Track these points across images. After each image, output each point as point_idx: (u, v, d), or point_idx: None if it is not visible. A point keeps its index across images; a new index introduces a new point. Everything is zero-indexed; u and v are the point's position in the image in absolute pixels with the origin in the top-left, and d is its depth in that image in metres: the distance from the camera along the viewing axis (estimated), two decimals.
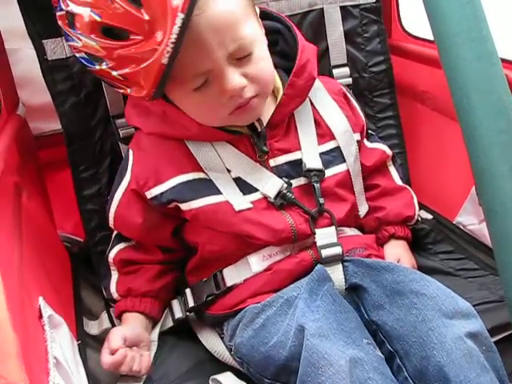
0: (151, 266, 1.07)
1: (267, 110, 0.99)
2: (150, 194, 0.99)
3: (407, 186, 1.18)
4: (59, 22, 0.90)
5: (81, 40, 0.86)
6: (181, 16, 0.77)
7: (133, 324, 1.03)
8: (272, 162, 1.00)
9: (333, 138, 1.04)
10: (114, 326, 1.10)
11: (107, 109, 1.13)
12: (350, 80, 1.27)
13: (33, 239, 0.98)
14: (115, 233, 1.10)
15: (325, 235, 0.98)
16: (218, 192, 0.97)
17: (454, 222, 1.26)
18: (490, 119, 0.71)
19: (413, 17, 1.40)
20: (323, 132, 1.04)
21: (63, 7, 0.87)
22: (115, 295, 1.07)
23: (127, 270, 1.07)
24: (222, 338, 1.02)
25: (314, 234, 0.98)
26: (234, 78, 0.87)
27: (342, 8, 1.26)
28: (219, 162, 0.98)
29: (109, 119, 1.13)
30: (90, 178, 1.17)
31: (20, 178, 1.03)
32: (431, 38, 0.77)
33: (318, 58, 1.23)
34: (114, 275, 1.08)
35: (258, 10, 0.96)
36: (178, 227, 1.05)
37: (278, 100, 0.99)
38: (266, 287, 0.97)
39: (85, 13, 0.83)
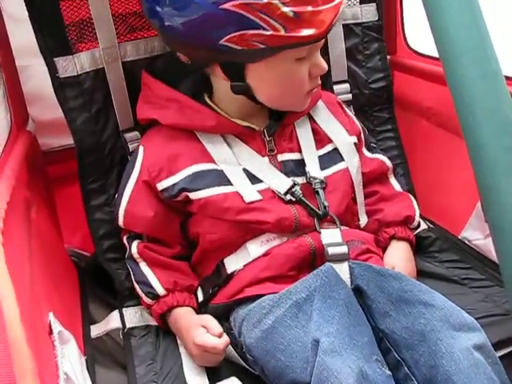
0: (180, 262, 1.09)
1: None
2: (161, 185, 1.03)
3: (407, 193, 1.20)
4: None
5: None
6: None
7: (192, 316, 1.04)
8: (280, 157, 1.05)
9: (329, 141, 1.10)
10: (124, 326, 1.11)
11: (117, 123, 1.16)
12: (350, 96, 1.30)
13: (42, 254, 0.99)
14: (126, 235, 1.11)
15: (330, 234, 1.01)
16: (229, 183, 1.01)
17: (460, 237, 1.26)
18: (496, 137, 0.72)
19: (418, 34, 1.41)
20: (320, 138, 1.10)
21: None
22: (159, 289, 1.06)
23: (156, 260, 1.07)
24: (229, 334, 1.00)
25: (320, 233, 1.00)
26: (322, 60, 0.99)
27: (345, 26, 1.28)
28: (231, 155, 1.02)
29: (118, 133, 1.16)
30: (98, 188, 1.18)
31: (30, 194, 1.04)
32: (436, 54, 0.78)
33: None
34: (144, 267, 1.08)
35: None
36: (182, 223, 1.08)
37: None
38: (264, 272, 0.99)
39: None
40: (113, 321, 1.14)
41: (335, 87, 1.29)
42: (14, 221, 0.86)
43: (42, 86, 1.19)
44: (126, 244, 1.11)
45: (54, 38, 1.08)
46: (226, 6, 0.88)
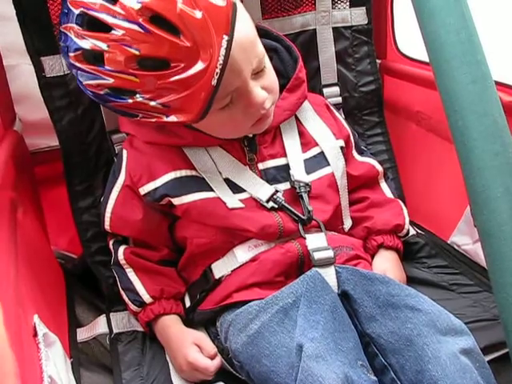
0: (167, 268, 1.08)
1: None
2: (144, 190, 1.02)
3: (398, 199, 1.19)
4: (73, 62, 0.87)
5: (112, 76, 0.84)
6: (226, 38, 0.80)
7: (181, 326, 1.04)
8: (260, 166, 1.04)
9: (316, 145, 1.09)
10: (111, 331, 1.10)
11: (103, 124, 1.15)
12: (339, 99, 1.30)
13: (28, 255, 0.98)
14: (112, 241, 1.10)
15: (315, 239, 1.00)
16: (210, 189, 1.00)
17: (449, 242, 1.26)
18: (485, 142, 0.72)
19: (408, 38, 1.42)
20: (306, 141, 1.08)
21: (81, 45, 0.84)
22: (146, 297, 1.05)
23: (142, 266, 1.07)
24: (216, 339, 1.02)
25: (304, 238, 1.00)
26: (259, 91, 0.92)
27: (335, 29, 1.29)
28: (211, 164, 1.01)
29: (104, 135, 1.15)
30: (84, 190, 1.18)
31: (16, 194, 1.02)
32: (426, 59, 0.78)
33: (310, 77, 1.26)
34: (131, 273, 1.07)
35: None
36: (170, 226, 1.07)
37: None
38: (252, 278, 0.99)
39: (116, 48, 0.82)
40: (99, 326, 1.13)
41: (325, 90, 1.29)
42: None
43: (29, 86, 1.18)
44: (112, 249, 1.10)
45: (41, 37, 1.07)
46: (107, 104, 0.90)
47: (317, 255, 0.97)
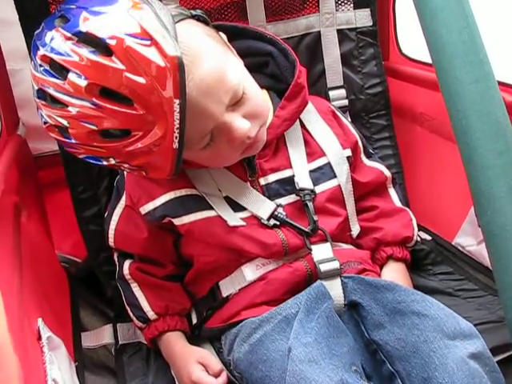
0: (172, 283, 1.07)
1: None
2: (144, 209, 1.01)
3: (406, 208, 1.17)
4: (50, 134, 0.87)
5: (81, 148, 0.85)
6: (177, 102, 0.78)
7: (185, 343, 1.04)
8: (262, 181, 1.01)
9: (322, 155, 1.05)
10: (117, 342, 1.10)
11: None
12: (346, 102, 1.28)
13: (32, 259, 0.98)
14: (116, 253, 1.10)
15: (321, 250, 0.99)
16: (210, 207, 0.98)
17: (453, 243, 1.26)
18: (489, 141, 0.72)
19: (410, 39, 1.42)
20: (312, 151, 1.05)
21: (48, 120, 0.84)
22: (150, 313, 1.04)
23: (148, 282, 1.06)
24: (220, 353, 1.02)
25: (310, 250, 0.98)
26: (239, 124, 0.88)
27: (339, 31, 1.27)
28: (211, 181, 0.99)
29: None
30: (89, 198, 1.17)
31: (20, 198, 1.03)
32: (429, 60, 0.78)
33: (315, 80, 1.27)
34: (135, 288, 1.06)
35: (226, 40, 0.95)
36: (175, 241, 1.06)
37: (269, 122, 1.00)
38: (260, 297, 0.98)
39: (75, 125, 0.81)
40: (105, 336, 1.13)
41: (331, 93, 1.27)
42: (2, 225, 0.85)
43: (32, 90, 1.18)
44: (117, 262, 1.09)
45: None
46: None
47: (323, 267, 0.96)
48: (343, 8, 1.27)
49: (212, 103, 0.85)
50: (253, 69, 1.02)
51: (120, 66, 0.77)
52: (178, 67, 0.77)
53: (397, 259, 1.11)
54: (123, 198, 1.04)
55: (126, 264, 1.07)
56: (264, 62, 1.06)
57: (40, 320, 0.83)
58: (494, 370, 0.82)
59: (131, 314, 1.07)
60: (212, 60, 0.86)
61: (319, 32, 1.26)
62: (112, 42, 0.77)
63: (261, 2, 1.19)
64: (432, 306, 0.88)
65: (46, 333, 0.81)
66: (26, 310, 0.80)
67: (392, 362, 0.86)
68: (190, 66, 0.82)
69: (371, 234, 1.11)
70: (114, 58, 0.77)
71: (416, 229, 1.15)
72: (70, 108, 0.80)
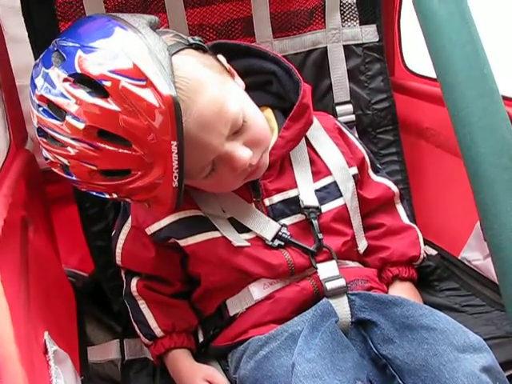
0: (179, 301, 1.07)
1: None
2: (149, 230, 1.01)
3: (413, 225, 1.15)
4: (53, 169, 0.87)
5: (83, 184, 0.86)
6: (175, 144, 0.78)
7: (192, 360, 1.04)
8: (267, 202, 1.00)
9: (328, 173, 1.04)
10: (123, 358, 1.10)
11: None
12: (353, 117, 1.28)
13: (39, 273, 0.98)
14: (124, 270, 1.10)
15: (326, 269, 0.98)
16: (215, 228, 0.98)
17: (459, 258, 1.25)
18: (494, 156, 0.72)
19: (415, 55, 1.42)
20: (318, 169, 1.04)
21: (49, 157, 0.85)
22: (157, 331, 1.04)
23: (155, 299, 1.06)
24: (226, 371, 1.01)
25: (316, 268, 0.98)
26: (240, 153, 0.88)
27: (346, 47, 1.28)
28: (216, 203, 0.99)
29: None
30: (96, 214, 1.17)
31: (27, 213, 1.03)
32: (434, 75, 0.79)
33: (322, 95, 1.27)
34: (143, 305, 1.06)
35: (225, 63, 0.95)
36: (182, 259, 1.06)
37: (273, 142, 0.99)
38: (267, 316, 0.97)
39: (76, 164, 0.82)
40: (112, 351, 1.13)
41: (338, 108, 1.27)
42: (10, 239, 0.85)
43: None
44: (124, 279, 1.09)
45: None
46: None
47: (329, 285, 0.95)
48: (349, 24, 1.27)
49: (211, 136, 0.85)
50: (256, 87, 1.03)
51: (116, 107, 0.77)
52: (174, 109, 0.77)
53: (403, 279, 1.10)
54: (129, 219, 1.05)
55: (134, 281, 1.07)
56: (268, 80, 1.06)
57: (46, 333, 0.83)
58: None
59: (138, 331, 1.07)
60: (210, 94, 0.85)
61: (326, 48, 1.26)
62: (107, 84, 0.77)
63: (267, 18, 1.20)
64: (440, 319, 0.88)
65: (52, 346, 0.81)
66: (32, 323, 0.81)
67: (402, 376, 0.85)
68: (188, 101, 0.82)
69: (377, 253, 1.10)
70: (109, 99, 0.77)
71: (423, 247, 1.14)
72: (69, 148, 0.81)
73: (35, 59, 1.08)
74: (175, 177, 0.80)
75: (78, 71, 0.78)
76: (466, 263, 1.24)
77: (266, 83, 1.06)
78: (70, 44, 0.81)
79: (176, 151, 0.78)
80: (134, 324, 1.08)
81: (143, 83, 0.76)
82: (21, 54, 1.14)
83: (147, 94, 0.76)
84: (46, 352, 0.80)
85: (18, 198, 1.00)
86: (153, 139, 0.78)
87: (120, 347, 1.13)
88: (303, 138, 1.04)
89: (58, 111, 0.80)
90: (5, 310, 0.65)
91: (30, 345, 0.74)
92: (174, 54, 0.84)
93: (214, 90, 0.86)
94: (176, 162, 0.79)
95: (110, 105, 0.77)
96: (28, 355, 0.68)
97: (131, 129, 0.77)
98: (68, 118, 0.79)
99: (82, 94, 0.78)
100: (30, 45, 1.08)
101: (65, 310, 1.15)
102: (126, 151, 0.79)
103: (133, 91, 0.76)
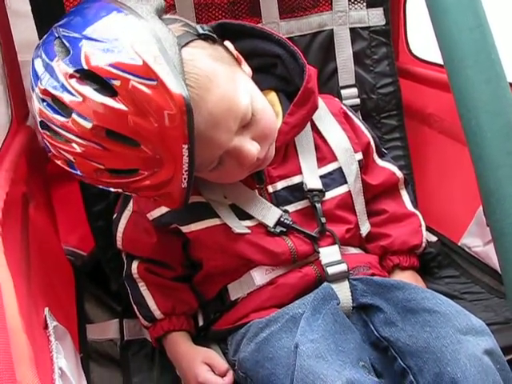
0: (180, 284, 1.07)
1: None
2: (151, 215, 1.01)
3: (417, 212, 1.15)
4: (57, 161, 0.85)
5: (89, 180, 0.84)
6: (186, 147, 0.76)
7: (190, 343, 1.03)
8: (270, 189, 0.99)
9: (333, 159, 1.03)
10: (122, 338, 1.11)
11: None
12: (358, 101, 1.28)
13: (39, 250, 0.98)
14: (124, 253, 1.10)
15: (329, 253, 0.98)
16: (216, 215, 0.97)
17: (459, 244, 1.26)
18: (499, 141, 0.72)
19: (420, 40, 1.41)
20: (323, 155, 1.03)
21: (52, 151, 0.83)
22: (157, 313, 1.04)
23: (155, 282, 1.05)
24: (225, 354, 1.02)
25: (318, 253, 0.97)
26: (248, 148, 0.87)
27: (352, 30, 1.27)
28: (218, 189, 0.98)
29: None
30: (98, 193, 1.16)
31: (28, 189, 1.03)
32: (438, 61, 0.78)
33: (327, 78, 1.26)
34: (143, 287, 1.06)
35: (234, 51, 0.93)
36: (184, 244, 1.06)
37: (278, 127, 0.98)
38: (269, 302, 0.97)
39: (81, 161, 0.80)
40: (111, 331, 1.13)
41: (343, 92, 1.27)
42: (12, 213, 0.85)
43: None
44: (125, 261, 1.09)
45: None
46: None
47: (330, 270, 0.96)
48: (356, 6, 1.27)
49: (221, 133, 0.84)
50: (261, 69, 1.01)
51: (125, 107, 0.74)
52: (186, 111, 0.74)
53: (403, 268, 1.10)
54: (130, 203, 1.04)
55: (135, 264, 1.07)
56: (272, 63, 1.05)
57: (47, 309, 0.83)
58: (504, 368, 0.82)
59: (137, 313, 1.07)
60: (220, 90, 0.83)
61: (332, 30, 1.25)
62: (116, 83, 0.74)
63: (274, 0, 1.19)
64: (443, 302, 0.88)
65: (52, 322, 0.81)
66: (33, 298, 0.81)
67: (403, 358, 0.85)
68: (197, 99, 0.80)
69: (378, 240, 1.10)
70: (118, 98, 0.74)
71: (425, 235, 1.13)
72: (75, 145, 0.78)
73: (38, 35, 1.07)
74: (185, 178, 0.79)
75: (85, 67, 0.75)
76: (467, 250, 1.24)
77: (271, 66, 1.05)
78: (75, 34, 0.78)
79: (187, 154, 0.77)
80: (134, 306, 1.08)
81: (154, 83, 0.73)
82: (23, 28, 1.13)
83: (158, 95, 0.74)
84: (46, 327, 0.80)
85: (20, 174, 0.99)
86: (162, 141, 0.76)
87: (119, 327, 1.13)
88: (308, 123, 1.03)
89: (63, 107, 0.77)
90: (9, 282, 0.65)
91: (31, 319, 0.74)
92: (184, 46, 0.82)
93: (223, 86, 0.84)
94: (186, 165, 0.78)
95: (119, 104, 0.74)
96: (30, 329, 0.68)
97: (140, 130, 0.75)
98: (74, 116, 0.76)
99: (89, 91, 0.75)
100: (33, 20, 1.07)
101: (64, 287, 1.16)
102: (134, 151, 0.77)
103: (143, 91, 0.73)
